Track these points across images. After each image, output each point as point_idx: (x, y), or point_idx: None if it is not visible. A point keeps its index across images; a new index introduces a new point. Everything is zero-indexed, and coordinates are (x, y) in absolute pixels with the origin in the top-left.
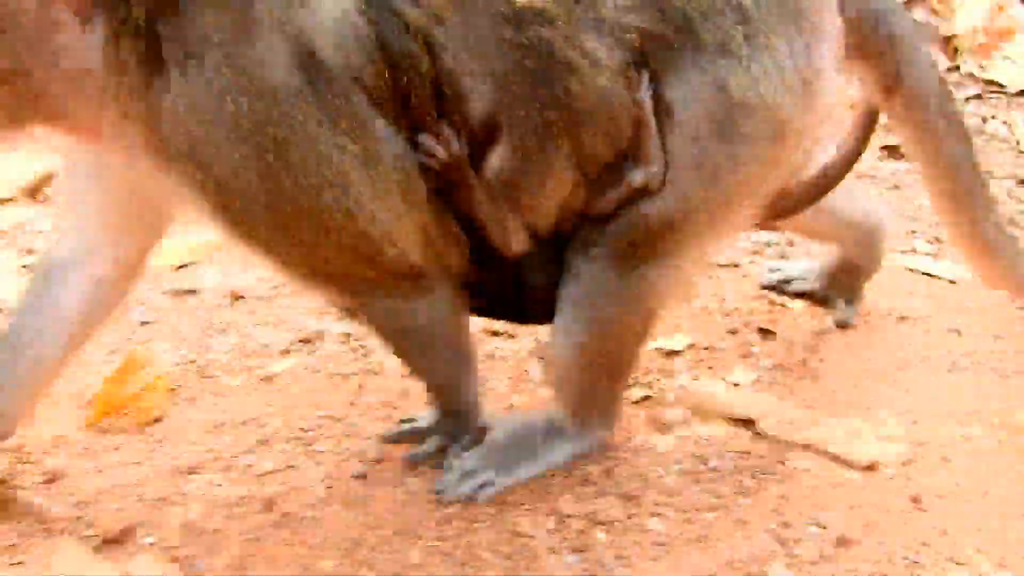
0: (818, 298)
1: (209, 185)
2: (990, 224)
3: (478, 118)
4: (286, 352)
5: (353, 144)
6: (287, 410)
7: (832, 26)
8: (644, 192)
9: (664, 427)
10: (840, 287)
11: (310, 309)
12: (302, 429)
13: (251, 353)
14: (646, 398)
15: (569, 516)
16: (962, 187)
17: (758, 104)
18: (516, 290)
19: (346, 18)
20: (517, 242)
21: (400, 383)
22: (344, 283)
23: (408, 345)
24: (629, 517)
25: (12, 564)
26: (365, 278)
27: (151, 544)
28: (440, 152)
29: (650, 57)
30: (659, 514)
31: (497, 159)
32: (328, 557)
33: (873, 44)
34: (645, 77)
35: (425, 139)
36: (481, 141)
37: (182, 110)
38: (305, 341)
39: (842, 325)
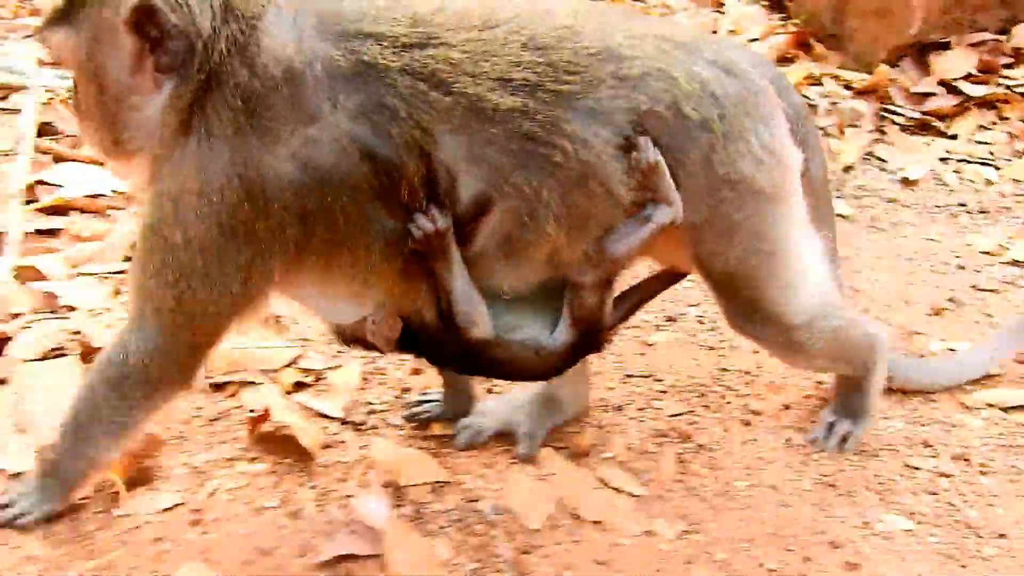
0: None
1: (147, 223)
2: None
3: (468, 198)
4: (658, 327)
5: (325, 230)
6: (675, 370)
7: (780, 110)
8: (671, 226)
9: (971, 410)
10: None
11: (672, 296)
12: (694, 383)
13: (632, 326)
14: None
15: (916, 468)
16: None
17: (737, 179)
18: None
19: (344, 136)
20: (483, 326)
21: (754, 357)
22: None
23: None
24: (963, 472)
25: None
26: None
27: (609, 458)
28: (428, 227)
29: (648, 128)
30: (986, 473)
31: (489, 227)
32: (739, 479)
33: (794, 135)
34: (648, 141)
35: (419, 218)
36: (471, 215)
37: (184, 165)
38: (671, 319)
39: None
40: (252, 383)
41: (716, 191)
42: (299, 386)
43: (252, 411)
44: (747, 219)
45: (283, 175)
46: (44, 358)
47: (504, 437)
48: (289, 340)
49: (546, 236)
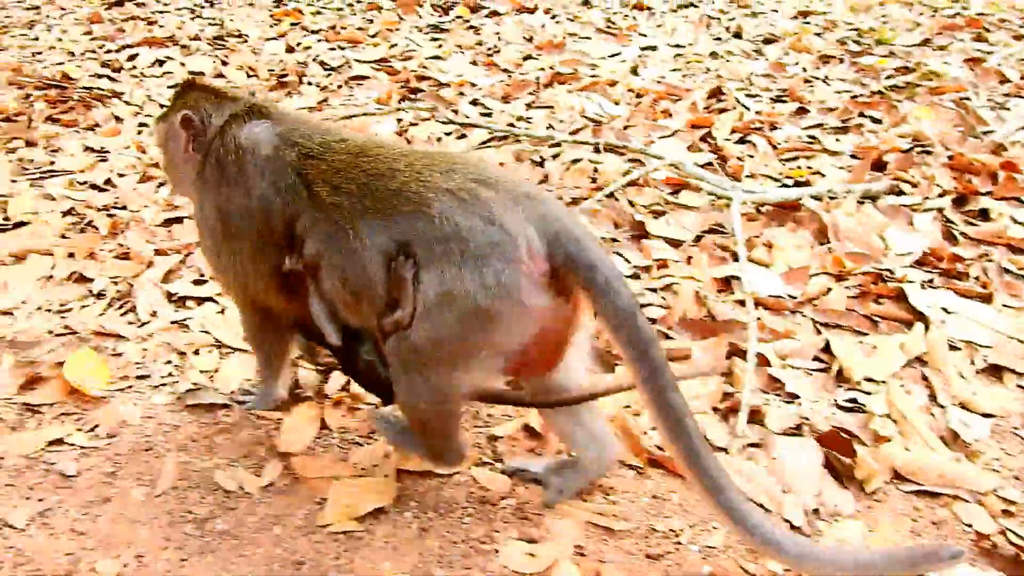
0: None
1: (197, 228)
2: None
3: (308, 255)
4: None
5: (249, 245)
6: None
7: (528, 256)
8: (401, 324)
9: None
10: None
11: None
12: None
13: None
14: None
15: None
16: None
17: (465, 299)
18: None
19: (260, 195)
20: (331, 335)
21: None
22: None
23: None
24: None
25: None
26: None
27: None
28: (286, 265)
29: (414, 251)
30: None
31: (324, 275)
32: None
33: (575, 285)
34: (410, 262)
35: (285, 257)
36: (312, 265)
37: (197, 196)
38: None
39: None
40: (963, 500)
41: (445, 306)
42: (1005, 513)
43: (969, 525)
44: (456, 335)
45: (236, 208)
46: (783, 434)
47: None
48: (983, 467)
49: (346, 295)
